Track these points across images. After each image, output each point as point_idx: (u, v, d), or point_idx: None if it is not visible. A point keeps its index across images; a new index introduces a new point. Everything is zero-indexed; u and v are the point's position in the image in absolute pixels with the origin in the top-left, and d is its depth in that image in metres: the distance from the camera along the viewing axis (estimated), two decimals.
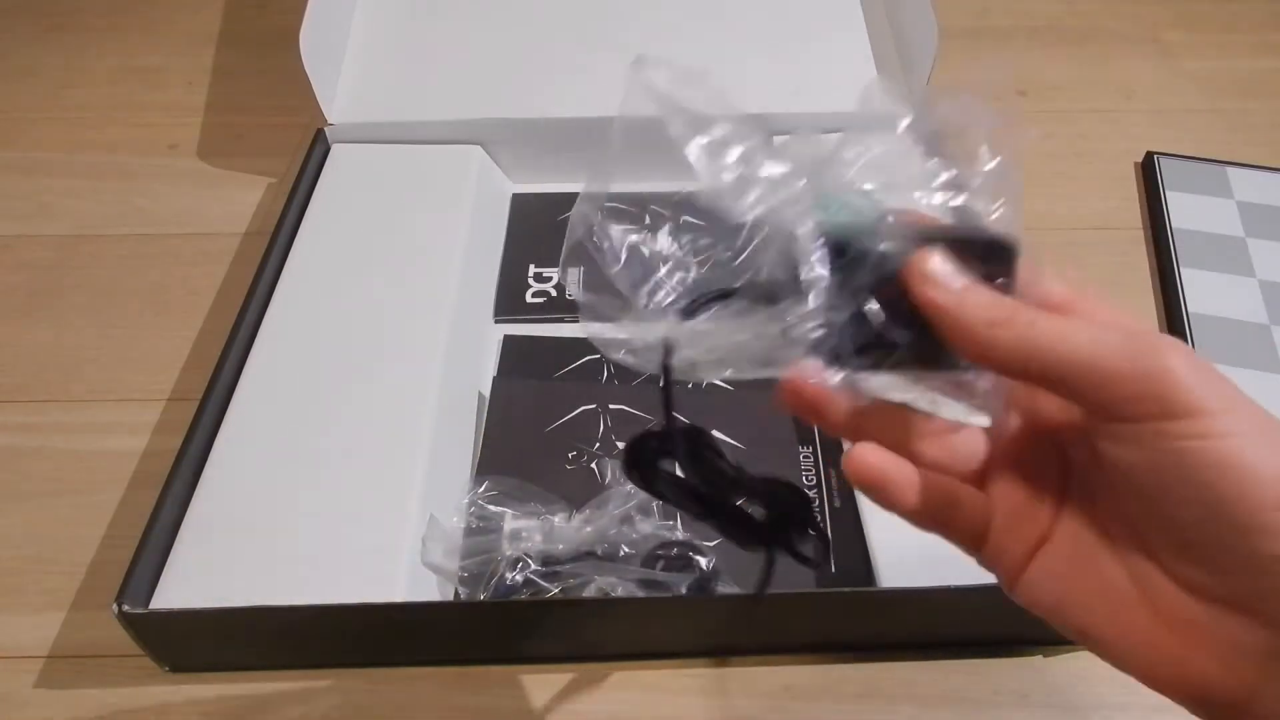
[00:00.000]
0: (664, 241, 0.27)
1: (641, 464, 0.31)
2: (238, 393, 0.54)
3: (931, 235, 0.25)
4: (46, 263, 0.70)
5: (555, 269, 0.67)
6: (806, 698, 0.47)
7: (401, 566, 0.46)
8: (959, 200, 0.26)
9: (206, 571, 0.46)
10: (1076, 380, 0.22)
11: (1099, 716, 0.46)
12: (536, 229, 0.70)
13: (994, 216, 0.26)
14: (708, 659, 0.48)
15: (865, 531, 0.50)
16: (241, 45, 0.91)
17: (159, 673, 0.48)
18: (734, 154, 0.25)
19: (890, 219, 0.25)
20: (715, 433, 0.49)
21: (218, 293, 0.67)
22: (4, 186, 0.76)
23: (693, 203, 0.27)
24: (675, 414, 0.30)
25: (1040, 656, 0.48)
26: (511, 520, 0.49)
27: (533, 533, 0.49)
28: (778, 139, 0.26)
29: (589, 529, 0.48)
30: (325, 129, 0.70)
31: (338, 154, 0.70)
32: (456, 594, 0.48)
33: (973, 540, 0.27)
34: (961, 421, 0.27)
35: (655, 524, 0.49)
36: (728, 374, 0.27)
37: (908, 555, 0.47)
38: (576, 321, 0.64)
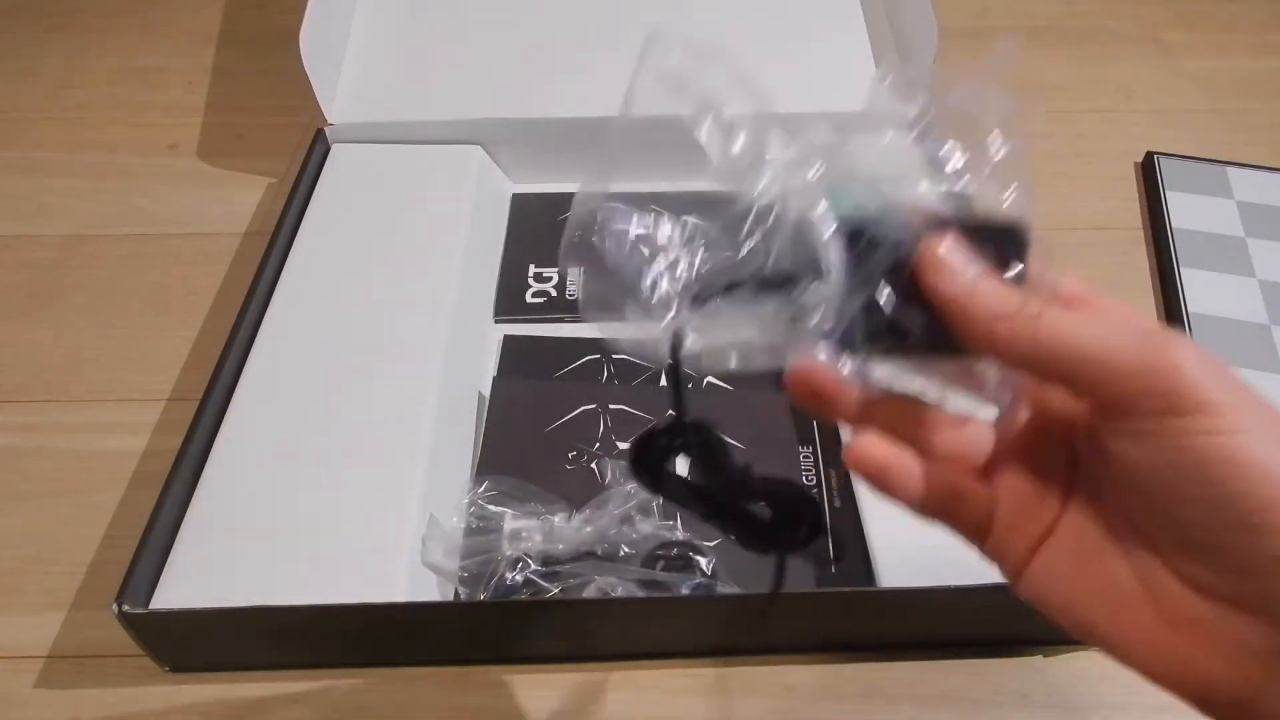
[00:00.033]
0: (666, 233, 0.27)
1: (649, 462, 0.30)
2: (238, 393, 0.54)
3: (944, 223, 0.25)
4: (46, 263, 0.70)
5: (555, 269, 0.67)
6: (806, 698, 0.47)
7: (401, 566, 0.46)
8: (970, 187, 0.26)
9: (206, 571, 0.46)
10: (1085, 374, 0.22)
11: (1099, 716, 0.46)
12: (536, 229, 0.70)
13: (1005, 204, 0.26)
14: (707, 659, 0.48)
15: (865, 531, 0.50)
16: (241, 45, 0.91)
17: (159, 673, 0.48)
18: (746, 136, 0.25)
19: (902, 207, 0.25)
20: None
21: (218, 293, 0.67)
22: (4, 186, 0.76)
23: (694, 202, 0.27)
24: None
25: (1040, 656, 0.48)
26: (511, 520, 0.49)
27: (533, 533, 0.49)
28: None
29: (589, 529, 0.48)
30: (325, 129, 0.70)
31: (338, 154, 0.70)
32: (456, 594, 0.48)
33: (977, 532, 0.27)
34: (970, 414, 0.27)
35: (655, 524, 0.49)
36: (737, 365, 0.26)
37: (908, 555, 0.47)
38: (576, 321, 0.64)
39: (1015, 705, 0.47)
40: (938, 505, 0.27)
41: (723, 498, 0.31)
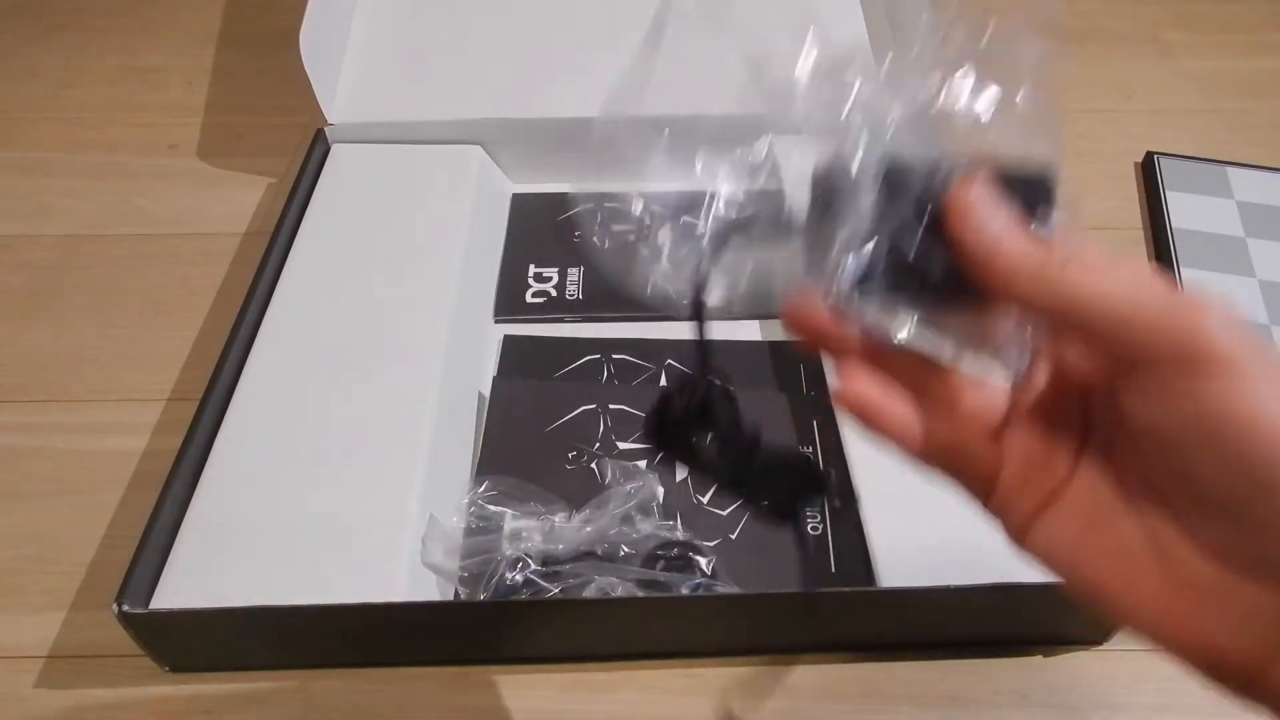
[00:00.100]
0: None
1: (668, 425, 0.30)
2: (238, 393, 0.54)
3: (972, 169, 0.24)
4: (46, 263, 0.70)
5: (555, 269, 0.67)
6: (806, 698, 0.47)
7: (401, 566, 0.46)
8: (999, 134, 0.25)
9: (206, 571, 0.46)
10: (1107, 328, 0.22)
11: (1099, 716, 0.46)
12: (536, 229, 0.70)
13: (1034, 151, 0.25)
14: (707, 659, 0.48)
15: (865, 531, 0.49)
16: (241, 45, 0.91)
17: (159, 673, 0.48)
18: (782, 64, 0.25)
19: (931, 151, 0.25)
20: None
21: (218, 293, 0.67)
22: (4, 186, 0.76)
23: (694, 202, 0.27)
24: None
25: (1040, 656, 0.48)
26: (511, 520, 0.49)
27: (533, 533, 0.49)
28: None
29: (589, 529, 0.48)
30: (325, 129, 0.70)
31: (338, 154, 0.70)
32: (456, 594, 0.48)
33: (980, 489, 0.26)
34: (983, 373, 0.26)
35: (655, 524, 0.49)
36: (757, 309, 0.26)
37: (908, 555, 0.47)
38: (576, 321, 0.64)
39: (1015, 705, 0.47)
40: (941, 459, 0.26)
41: (743, 462, 0.30)
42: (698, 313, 0.27)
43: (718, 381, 0.30)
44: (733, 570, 0.48)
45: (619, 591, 0.46)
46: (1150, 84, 0.86)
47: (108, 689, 0.47)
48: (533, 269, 0.67)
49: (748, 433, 0.31)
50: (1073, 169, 0.77)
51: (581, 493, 0.51)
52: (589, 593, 0.47)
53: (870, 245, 0.24)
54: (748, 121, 0.26)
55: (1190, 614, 0.22)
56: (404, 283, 0.60)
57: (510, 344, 0.62)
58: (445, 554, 0.48)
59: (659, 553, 0.48)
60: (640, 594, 0.47)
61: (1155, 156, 0.77)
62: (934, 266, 0.24)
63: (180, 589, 0.45)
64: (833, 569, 0.49)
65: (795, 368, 0.60)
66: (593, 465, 0.53)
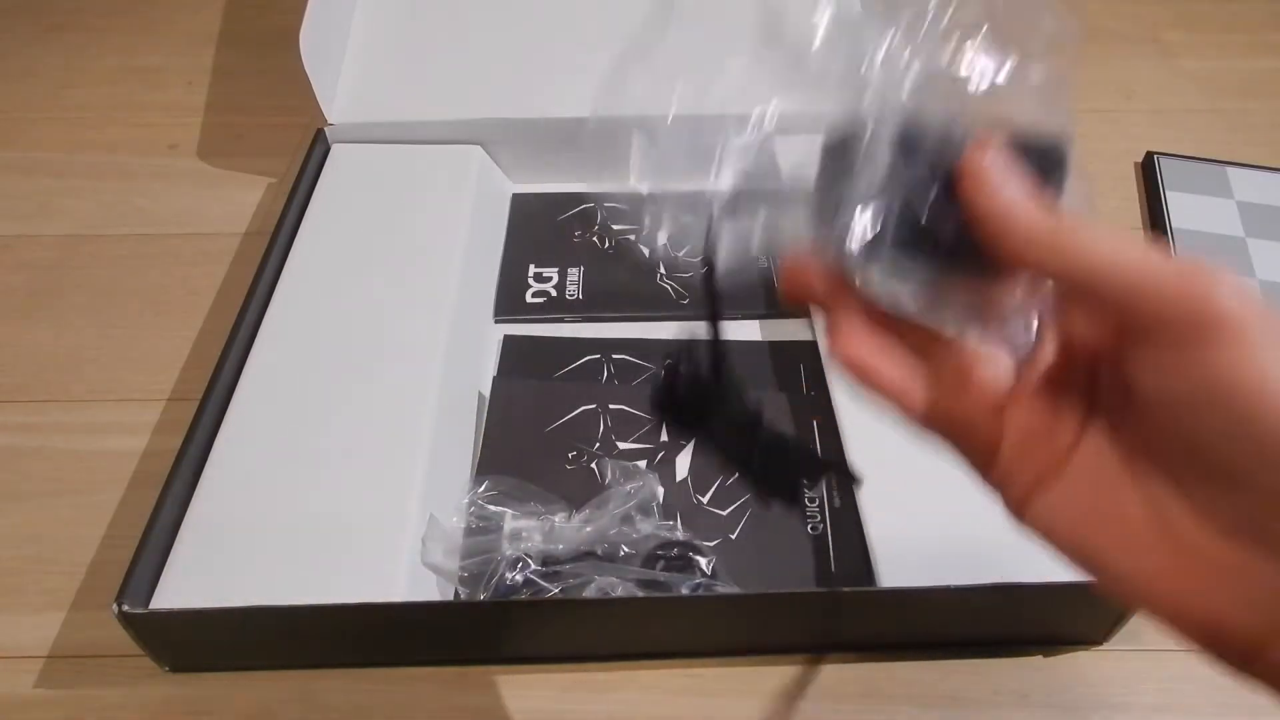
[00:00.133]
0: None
1: (677, 390, 0.30)
2: (238, 393, 0.54)
3: (987, 136, 0.24)
4: (46, 263, 0.70)
5: (555, 269, 0.67)
6: (806, 698, 0.47)
7: (401, 566, 0.46)
8: (1014, 103, 0.25)
9: (206, 571, 0.46)
10: (1119, 294, 0.22)
11: (1099, 716, 0.46)
12: (536, 229, 0.70)
13: (1047, 120, 0.25)
14: (707, 659, 0.48)
15: (865, 531, 0.49)
16: (241, 45, 0.91)
17: (159, 673, 0.48)
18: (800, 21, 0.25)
19: (946, 116, 0.24)
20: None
21: (218, 293, 0.67)
22: (4, 186, 0.76)
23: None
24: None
25: (1040, 656, 0.48)
26: (511, 520, 0.49)
27: (533, 533, 0.49)
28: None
29: (589, 529, 0.48)
30: (325, 129, 0.70)
31: (338, 154, 0.70)
32: (456, 594, 0.48)
33: (979, 459, 0.26)
34: (988, 344, 0.26)
35: (655, 524, 0.49)
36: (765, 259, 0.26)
37: (908, 555, 0.47)
38: (576, 321, 0.64)
39: (1015, 705, 0.47)
40: (940, 426, 0.26)
41: (749, 432, 0.30)
42: (708, 277, 0.27)
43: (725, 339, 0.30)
44: (733, 570, 0.48)
45: (619, 591, 0.46)
46: (1150, 84, 0.86)
47: (108, 689, 0.47)
48: (533, 269, 0.67)
49: (751, 407, 0.31)
50: None
51: (581, 493, 0.51)
52: (589, 593, 0.47)
53: (882, 205, 0.24)
54: (749, 116, 0.26)
55: (1193, 588, 0.22)
56: (404, 283, 0.60)
57: (510, 344, 0.62)
58: (445, 554, 0.48)
59: (659, 553, 0.48)
60: (640, 594, 0.47)
61: (1155, 156, 0.77)
62: (945, 231, 0.24)
63: (180, 589, 0.45)
64: (833, 569, 0.49)
65: (795, 368, 0.60)
66: (593, 465, 0.53)
